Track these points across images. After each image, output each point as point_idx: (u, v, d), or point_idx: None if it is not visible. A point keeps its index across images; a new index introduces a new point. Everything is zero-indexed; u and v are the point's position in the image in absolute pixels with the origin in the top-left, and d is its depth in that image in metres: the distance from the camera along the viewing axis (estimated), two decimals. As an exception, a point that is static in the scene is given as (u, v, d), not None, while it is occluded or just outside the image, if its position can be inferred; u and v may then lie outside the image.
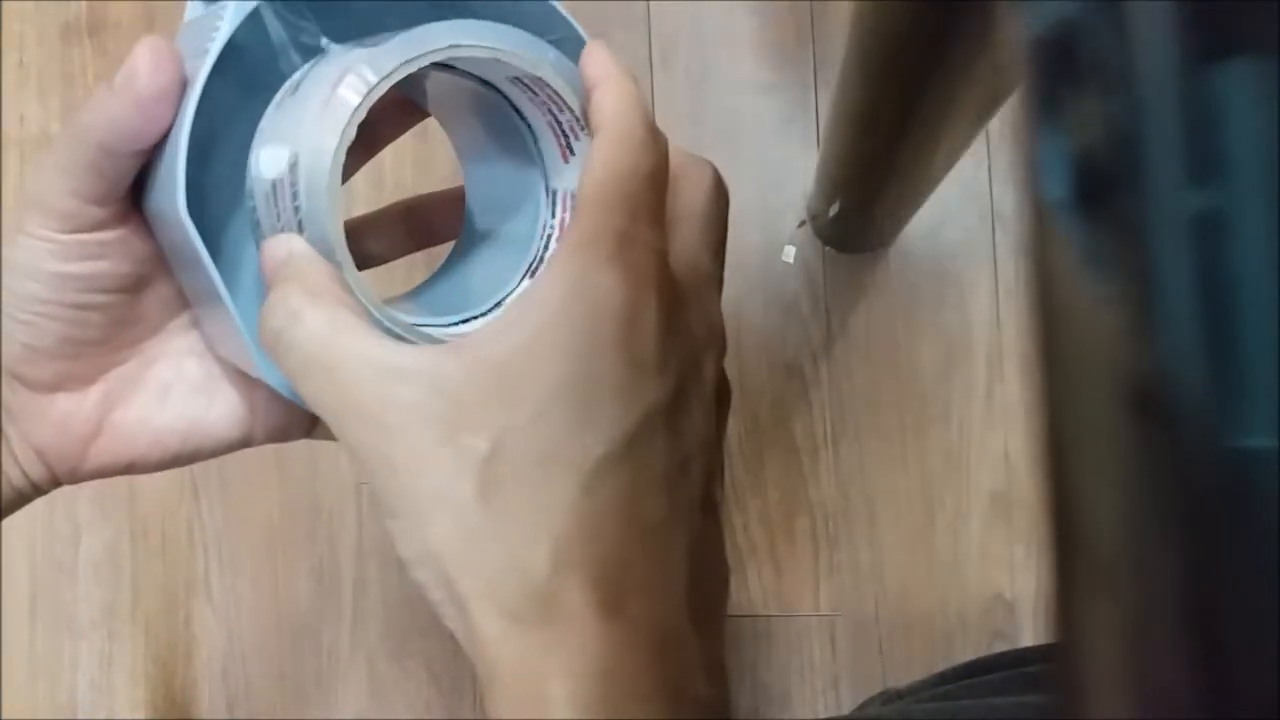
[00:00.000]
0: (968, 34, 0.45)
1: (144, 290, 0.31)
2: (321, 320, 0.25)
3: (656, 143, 0.27)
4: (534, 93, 0.30)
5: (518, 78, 0.29)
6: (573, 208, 0.31)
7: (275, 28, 0.31)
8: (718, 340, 0.28)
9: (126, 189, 0.29)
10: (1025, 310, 0.17)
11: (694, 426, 0.26)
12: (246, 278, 0.32)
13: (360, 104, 0.26)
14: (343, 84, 0.27)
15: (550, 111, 0.30)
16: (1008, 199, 0.88)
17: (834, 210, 0.81)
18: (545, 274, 0.25)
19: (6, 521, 0.33)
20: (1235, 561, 0.13)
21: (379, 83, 0.26)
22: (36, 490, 0.32)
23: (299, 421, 0.33)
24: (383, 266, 0.36)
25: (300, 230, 0.27)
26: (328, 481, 0.93)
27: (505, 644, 0.23)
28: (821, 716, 0.87)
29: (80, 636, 0.95)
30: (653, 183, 0.26)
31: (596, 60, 0.28)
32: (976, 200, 0.88)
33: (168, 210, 0.29)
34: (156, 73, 0.27)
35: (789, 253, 0.89)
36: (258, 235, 0.29)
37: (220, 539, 0.94)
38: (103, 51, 0.98)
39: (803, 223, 0.89)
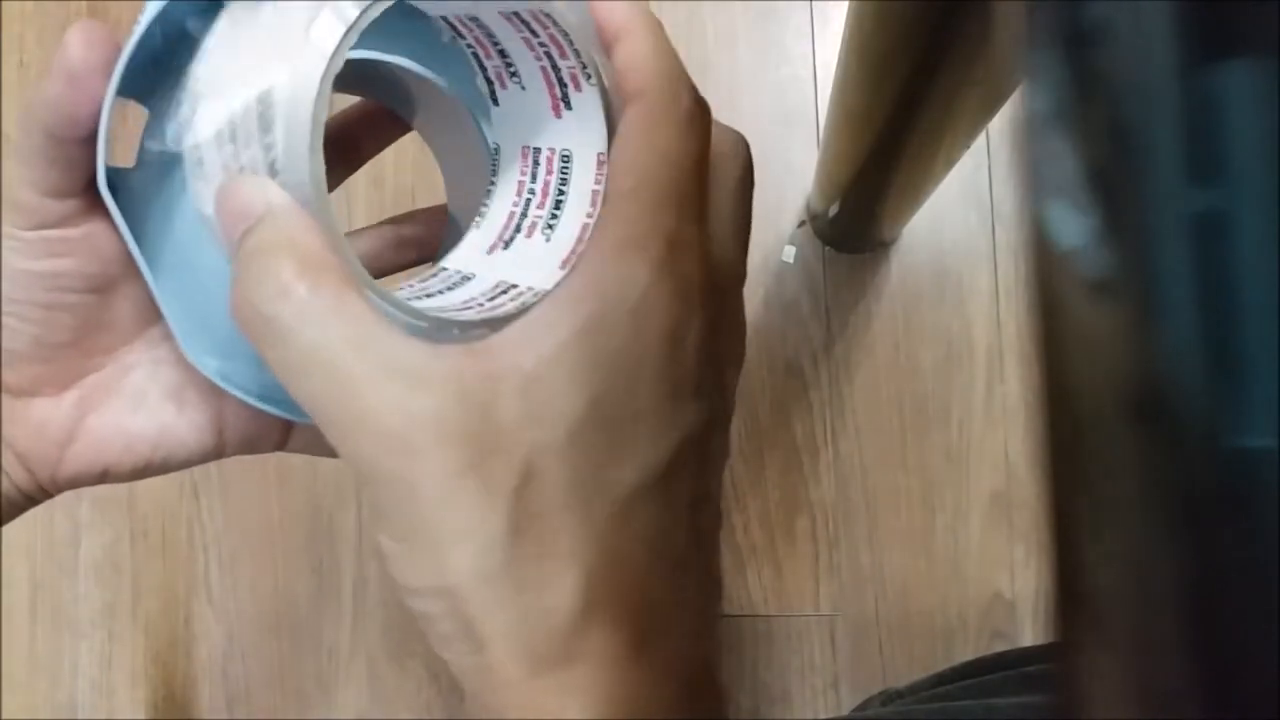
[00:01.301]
0: (968, 34, 0.45)
1: (113, 292, 0.31)
2: (324, 305, 0.21)
3: (704, 115, 0.23)
4: (533, 32, 0.26)
5: (516, 13, 0.25)
6: (561, 170, 0.27)
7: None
8: (740, 352, 0.26)
9: (85, 183, 0.28)
10: (1026, 311, 0.17)
11: (719, 451, 0.25)
12: (187, 272, 0.30)
13: (360, 16, 0.22)
14: None
15: (548, 55, 0.26)
16: (1008, 199, 0.88)
17: (834, 210, 0.81)
18: (582, 274, 0.22)
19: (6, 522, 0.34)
20: (1236, 562, 0.13)
21: None
22: (24, 497, 0.32)
23: (270, 433, 0.32)
24: None
25: (273, 175, 0.23)
26: (328, 482, 0.93)
27: (525, 685, 0.22)
28: (821, 717, 0.87)
29: (80, 636, 0.95)
30: (700, 169, 0.23)
31: (616, 2, 0.24)
32: (976, 200, 0.88)
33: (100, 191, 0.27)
34: (88, 50, 0.26)
35: (789, 253, 0.89)
36: (195, 192, 0.26)
37: (220, 539, 0.94)
38: (103, 51, 0.98)
39: (803, 223, 0.89)
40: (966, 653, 0.85)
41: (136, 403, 0.32)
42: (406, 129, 0.35)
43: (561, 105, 0.27)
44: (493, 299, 0.25)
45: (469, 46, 0.29)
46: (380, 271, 0.35)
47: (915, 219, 0.83)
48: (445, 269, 0.28)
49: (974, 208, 0.89)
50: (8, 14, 1.00)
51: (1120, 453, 0.15)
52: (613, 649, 0.22)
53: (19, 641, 0.95)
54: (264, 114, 0.23)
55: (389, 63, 0.30)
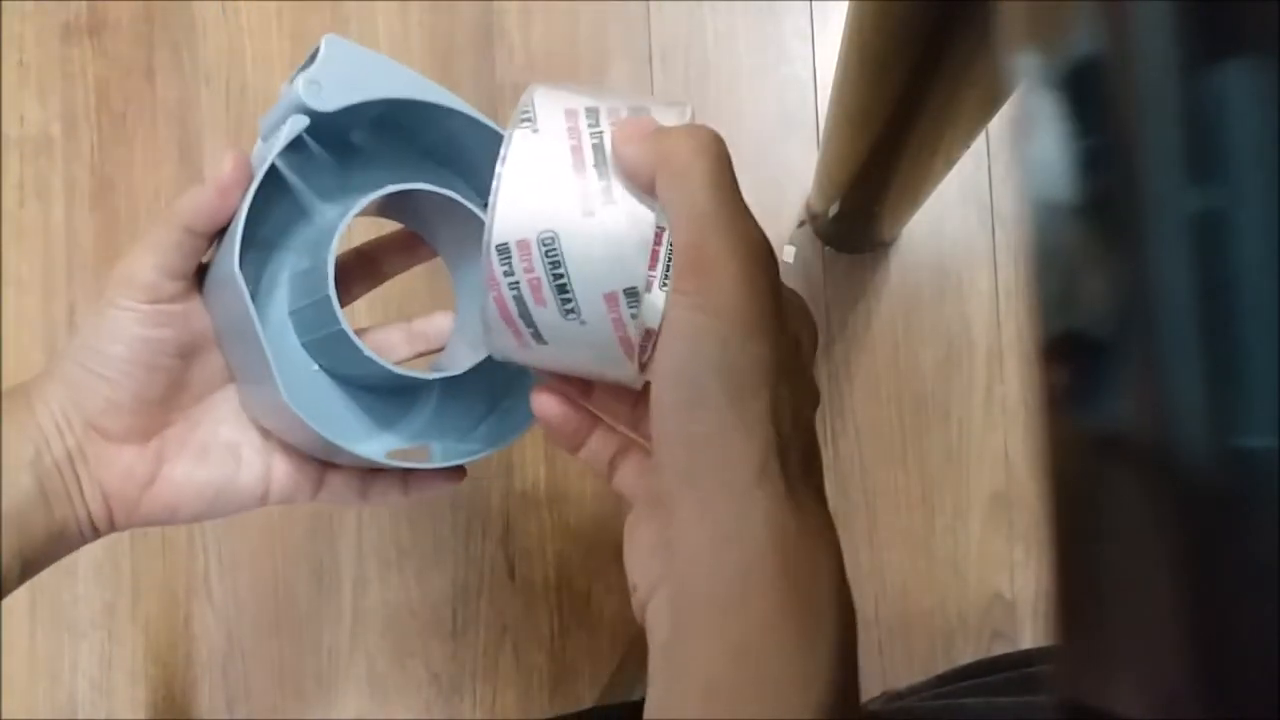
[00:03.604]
0: (967, 34, 0.45)
1: (194, 360, 0.39)
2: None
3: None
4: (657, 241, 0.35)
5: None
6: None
7: (320, 155, 0.39)
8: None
9: (194, 270, 0.37)
10: (1026, 312, 0.17)
11: (810, 353, 0.33)
12: (279, 348, 0.38)
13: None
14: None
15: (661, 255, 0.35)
16: (1008, 199, 0.88)
17: (834, 210, 0.81)
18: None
19: (6, 522, 0.35)
20: (1235, 560, 0.13)
21: None
22: (95, 532, 0.38)
23: (306, 486, 0.40)
24: None
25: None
26: (328, 481, 0.93)
27: (780, 458, 0.27)
28: (821, 716, 0.87)
29: (80, 636, 0.95)
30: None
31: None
32: (976, 200, 0.88)
33: (224, 272, 0.36)
34: (236, 170, 0.36)
35: (789, 253, 0.89)
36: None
37: (220, 539, 0.94)
38: (103, 51, 0.98)
39: (803, 223, 0.89)
40: (966, 653, 0.85)
41: (202, 456, 0.39)
42: (429, 255, 0.44)
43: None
44: None
45: None
46: (397, 356, 0.44)
47: (915, 219, 0.83)
48: None
49: (974, 208, 0.89)
50: (8, 14, 1.00)
51: (1121, 454, 0.15)
52: (804, 468, 0.28)
53: (19, 641, 0.95)
54: (639, 113, 0.32)
55: (429, 191, 0.39)
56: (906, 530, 0.87)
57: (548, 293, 0.31)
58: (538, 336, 0.32)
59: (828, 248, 0.89)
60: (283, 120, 0.37)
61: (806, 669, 0.27)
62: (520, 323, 0.32)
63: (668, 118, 0.32)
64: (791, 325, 0.31)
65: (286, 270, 0.40)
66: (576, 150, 0.31)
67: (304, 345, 0.40)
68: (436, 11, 0.95)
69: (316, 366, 0.40)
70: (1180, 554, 0.14)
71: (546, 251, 0.31)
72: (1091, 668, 0.16)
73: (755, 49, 0.91)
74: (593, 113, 0.32)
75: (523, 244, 0.31)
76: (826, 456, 0.88)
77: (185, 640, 0.94)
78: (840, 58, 0.58)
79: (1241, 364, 0.13)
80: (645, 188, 0.30)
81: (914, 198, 0.75)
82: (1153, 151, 0.14)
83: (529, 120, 0.32)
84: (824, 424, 0.88)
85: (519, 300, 0.32)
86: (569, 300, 0.31)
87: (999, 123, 0.61)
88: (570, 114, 0.32)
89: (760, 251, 0.29)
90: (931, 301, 0.88)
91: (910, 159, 0.63)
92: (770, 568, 0.27)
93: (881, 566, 0.87)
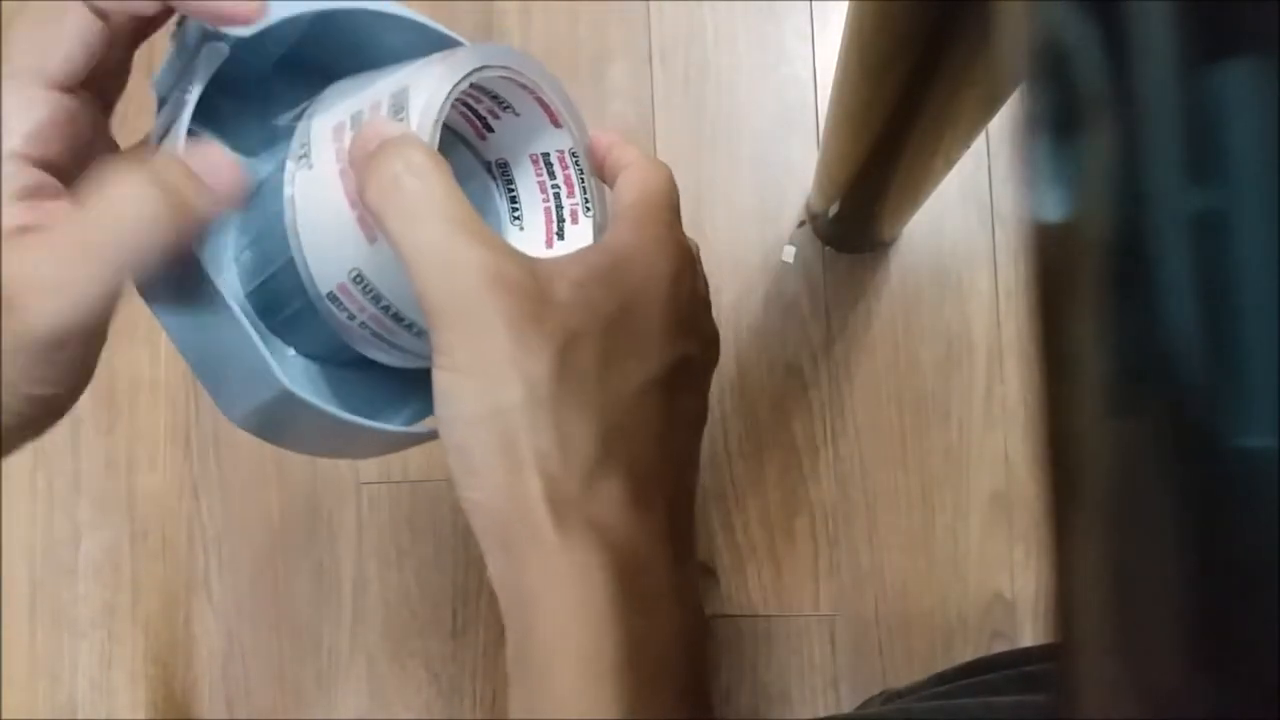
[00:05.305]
0: (967, 34, 0.45)
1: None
2: (446, 183, 0.26)
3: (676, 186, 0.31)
4: (551, 174, 0.32)
5: (546, 154, 0.31)
6: None
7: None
8: (716, 342, 0.32)
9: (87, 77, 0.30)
10: (1025, 312, 0.17)
11: (706, 387, 0.31)
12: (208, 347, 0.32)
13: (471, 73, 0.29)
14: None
15: (556, 196, 0.32)
16: (1008, 199, 0.88)
17: (834, 210, 0.81)
18: (611, 232, 0.29)
19: (7, 522, 0.34)
20: (1235, 562, 0.13)
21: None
22: None
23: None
24: None
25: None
26: (328, 481, 0.93)
27: (549, 512, 0.25)
28: (821, 716, 0.87)
29: (80, 636, 0.95)
30: (678, 203, 0.30)
31: (609, 135, 0.32)
32: (976, 200, 0.88)
33: (202, 294, 0.29)
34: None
35: (789, 253, 0.89)
36: (296, 179, 0.30)
37: (220, 539, 0.94)
38: (102, 51, 0.98)
39: (803, 223, 0.89)
40: (966, 653, 0.85)
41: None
42: None
43: (555, 239, 0.32)
44: None
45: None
46: None
47: (915, 219, 0.83)
48: None
49: (974, 208, 0.89)
50: (8, 14, 1.00)
51: (1120, 453, 0.15)
52: (620, 494, 0.26)
53: (19, 641, 0.95)
54: (396, 103, 0.28)
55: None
56: (906, 530, 0.87)
57: (390, 322, 0.30)
58: (416, 354, 0.31)
59: (828, 248, 0.89)
60: (191, 62, 0.30)
61: None
62: (392, 349, 0.30)
63: (391, 119, 0.28)
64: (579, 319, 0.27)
65: (228, 250, 0.33)
66: (345, 174, 0.28)
67: (271, 328, 0.33)
68: (436, 11, 0.95)
69: (292, 352, 0.34)
70: (1179, 554, 0.14)
71: (364, 289, 0.29)
72: (1091, 669, 0.16)
73: (755, 49, 0.91)
74: (357, 119, 0.29)
75: (342, 288, 0.29)
76: (827, 456, 0.88)
77: (185, 640, 0.94)
78: (840, 58, 0.58)
79: (1241, 365, 0.13)
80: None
81: (914, 198, 0.75)
82: (1153, 152, 0.14)
83: (305, 156, 0.29)
84: (824, 424, 0.88)
85: (375, 334, 0.30)
86: (410, 324, 0.30)
87: (999, 123, 0.61)
88: (338, 130, 0.29)
89: (509, 279, 0.26)
90: (931, 301, 0.88)
91: (910, 159, 0.63)
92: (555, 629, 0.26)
93: (881, 566, 0.87)
